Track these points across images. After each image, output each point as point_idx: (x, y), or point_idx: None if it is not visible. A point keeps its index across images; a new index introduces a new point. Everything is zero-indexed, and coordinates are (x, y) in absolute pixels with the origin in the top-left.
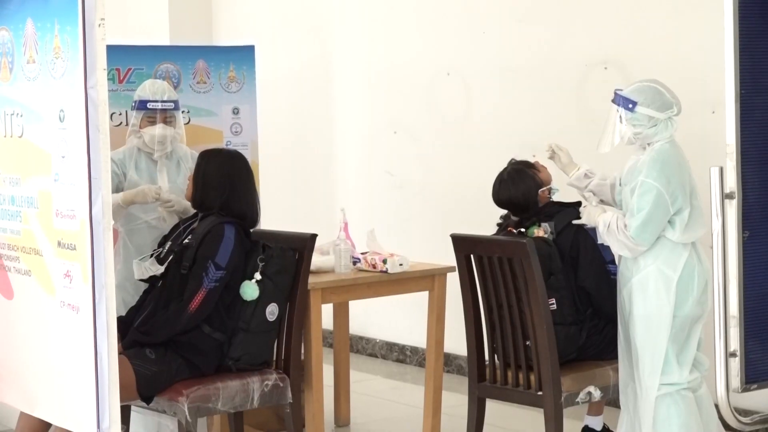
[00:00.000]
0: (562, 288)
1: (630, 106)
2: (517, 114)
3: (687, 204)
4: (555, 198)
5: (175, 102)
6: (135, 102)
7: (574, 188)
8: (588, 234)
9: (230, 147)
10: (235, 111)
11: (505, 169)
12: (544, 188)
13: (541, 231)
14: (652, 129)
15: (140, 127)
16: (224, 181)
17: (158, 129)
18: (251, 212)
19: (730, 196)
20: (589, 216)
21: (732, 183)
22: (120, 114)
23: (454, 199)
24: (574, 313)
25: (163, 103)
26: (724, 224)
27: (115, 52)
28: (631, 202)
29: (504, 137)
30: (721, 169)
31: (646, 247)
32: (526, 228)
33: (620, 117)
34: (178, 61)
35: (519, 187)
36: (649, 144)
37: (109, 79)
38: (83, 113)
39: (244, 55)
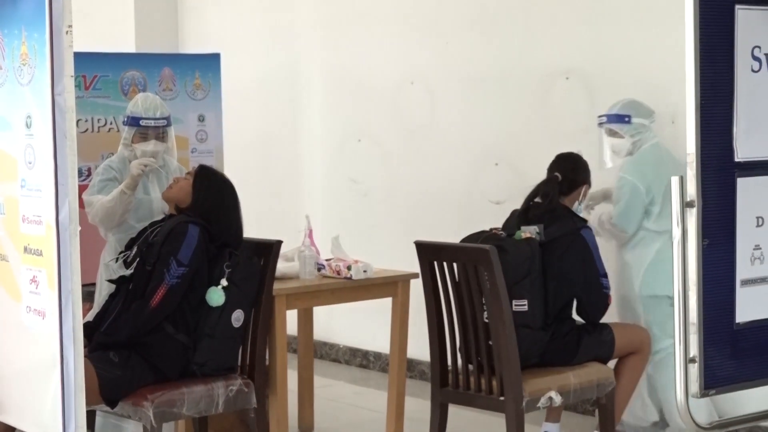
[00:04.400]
0: (536, 290)
1: (626, 119)
2: (481, 122)
3: (660, 197)
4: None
5: (168, 118)
6: (127, 117)
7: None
8: (587, 245)
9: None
10: (201, 118)
11: (580, 153)
12: (585, 192)
13: (528, 233)
14: (644, 135)
15: (132, 142)
16: (223, 203)
17: (151, 146)
18: (236, 239)
19: (690, 204)
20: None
21: (692, 191)
22: (86, 120)
23: (419, 207)
24: (543, 318)
25: (156, 121)
26: (684, 232)
27: (81, 59)
28: (614, 196)
29: (467, 145)
30: (681, 178)
31: (628, 232)
32: (515, 231)
33: (615, 134)
34: (144, 68)
35: (578, 174)
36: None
37: (75, 86)
38: (50, 120)
39: (209, 62)
